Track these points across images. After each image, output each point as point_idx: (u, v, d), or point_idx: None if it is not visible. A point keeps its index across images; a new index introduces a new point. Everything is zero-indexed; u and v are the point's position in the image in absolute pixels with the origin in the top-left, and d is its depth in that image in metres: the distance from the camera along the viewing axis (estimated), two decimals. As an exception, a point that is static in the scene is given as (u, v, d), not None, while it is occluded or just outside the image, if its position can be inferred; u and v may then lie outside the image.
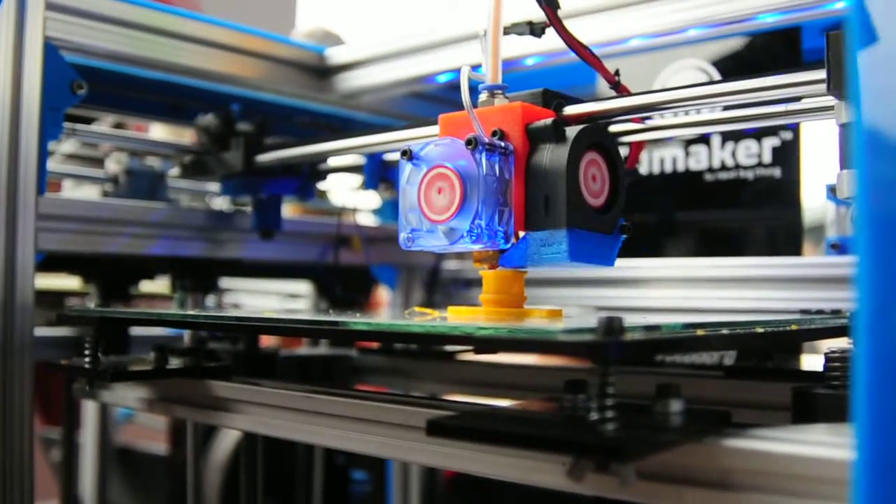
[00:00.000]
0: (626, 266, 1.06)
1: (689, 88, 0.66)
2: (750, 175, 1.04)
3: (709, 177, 1.07)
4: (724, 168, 1.06)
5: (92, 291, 1.17)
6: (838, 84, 0.58)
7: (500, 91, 0.66)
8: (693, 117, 0.73)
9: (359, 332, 0.62)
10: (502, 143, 0.63)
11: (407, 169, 0.65)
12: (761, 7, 0.87)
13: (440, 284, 1.24)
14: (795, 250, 1.01)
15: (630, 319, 0.48)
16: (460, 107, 0.65)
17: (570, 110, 0.67)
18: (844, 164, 0.59)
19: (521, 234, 0.64)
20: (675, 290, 1.04)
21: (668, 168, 1.10)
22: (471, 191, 0.62)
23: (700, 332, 0.54)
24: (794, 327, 0.65)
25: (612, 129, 0.71)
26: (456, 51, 1.05)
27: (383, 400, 0.65)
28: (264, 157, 1.00)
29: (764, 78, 0.63)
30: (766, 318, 0.91)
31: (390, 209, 1.31)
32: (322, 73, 1.16)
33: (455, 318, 0.69)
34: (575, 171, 0.62)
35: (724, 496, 0.47)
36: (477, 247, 0.63)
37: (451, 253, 0.67)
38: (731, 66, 1.07)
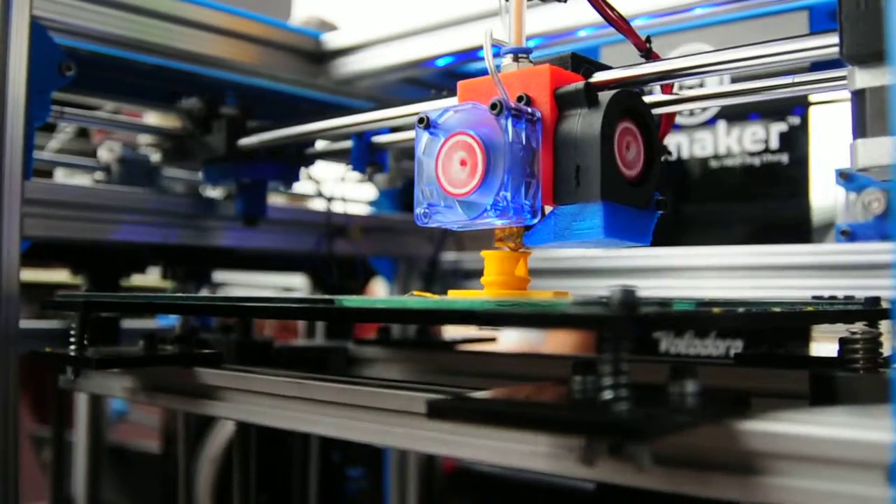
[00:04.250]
0: (631, 255, 0.98)
1: (716, 53, 0.58)
2: (757, 161, 0.97)
3: (714, 163, 1.00)
4: (729, 154, 0.99)
5: (81, 283, 1.08)
6: (851, 48, 0.51)
7: (524, 55, 0.58)
8: (717, 88, 0.65)
9: (353, 311, 0.54)
10: (529, 109, 0.54)
11: (424, 138, 0.57)
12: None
13: (439, 275, 1.15)
14: (804, 237, 0.94)
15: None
16: None
17: (600, 76, 0.59)
18: (859, 132, 0.52)
19: (549, 208, 0.56)
20: (681, 279, 0.97)
21: (674, 155, 1.02)
22: (495, 160, 0.53)
23: (716, 310, 0.47)
24: (809, 309, 0.59)
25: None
26: (455, 34, 0.97)
27: (379, 385, 0.57)
28: (247, 140, 0.91)
29: (787, 42, 0.55)
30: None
31: (386, 199, 1.23)
32: (318, 58, 1.08)
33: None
34: (609, 138, 0.53)
35: (748, 480, 0.42)
36: (501, 222, 0.55)
37: (468, 230, 0.59)
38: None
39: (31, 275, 1.24)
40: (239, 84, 1.03)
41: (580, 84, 0.54)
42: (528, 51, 0.58)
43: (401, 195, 1.22)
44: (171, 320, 1.12)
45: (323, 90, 1.11)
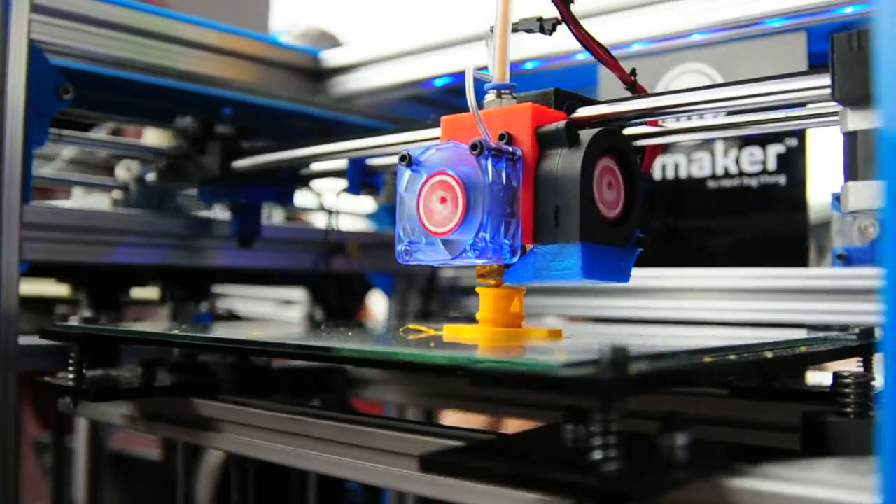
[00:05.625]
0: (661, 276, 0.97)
1: (705, 91, 0.58)
2: (754, 182, 0.96)
3: (712, 184, 0.99)
4: (727, 175, 0.98)
5: (82, 298, 1.08)
6: (843, 90, 0.50)
7: (507, 91, 0.58)
8: (705, 122, 0.64)
9: (347, 359, 0.54)
10: (510, 148, 0.54)
11: (406, 175, 0.57)
12: (769, 12, 0.80)
13: (437, 292, 1.15)
14: (800, 261, 0.93)
15: (633, 342, 0.40)
16: (459, 110, 0.57)
17: (583, 112, 0.58)
18: (850, 174, 0.52)
19: (529, 247, 0.55)
20: (677, 300, 0.96)
21: (671, 175, 1.02)
22: (475, 200, 0.53)
23: (708, 358, 0.47)
24: (803, 349, 0.58)
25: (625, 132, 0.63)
26: (454, 54, 0.97)
27: (374, 425, 0.57)
28: (242, 162, 0.91)
29: (778, 81, 0.55)
30: (771, 331, 0.84)
31: (385, 214, 1.23)
32: (316, 75, 1.08)
33: (451, 337, 0.61)
34: (589, 178, 0.53)
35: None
36: (481, 262, 0.55)
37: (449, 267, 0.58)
38: (734, 70, 0.98)
39: (32, 288, 1.25)
40: (236, 101, 1.03)
41: (561, 124, 0.54)
42: (511, 87, 0.58)
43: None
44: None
45: (321, 107, 1.11)
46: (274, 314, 1.47)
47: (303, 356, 0.53)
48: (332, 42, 1.68)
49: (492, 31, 0.58)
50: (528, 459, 0.43)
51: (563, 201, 0.53)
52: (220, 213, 1.08)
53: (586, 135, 0.54)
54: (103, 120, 1.09)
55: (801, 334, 0.76)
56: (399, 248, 0.57)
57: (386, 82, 1.02)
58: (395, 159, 0.81)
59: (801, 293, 0.88)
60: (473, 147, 0.52)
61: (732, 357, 0.48)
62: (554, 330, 0.58)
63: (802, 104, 0.57)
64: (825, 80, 0.51)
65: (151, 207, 1.12)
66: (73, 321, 1.14)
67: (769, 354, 0.52)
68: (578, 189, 0.52)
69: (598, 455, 0.40)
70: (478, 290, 0.60)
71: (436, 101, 1.16)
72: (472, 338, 0.59)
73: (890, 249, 0.34)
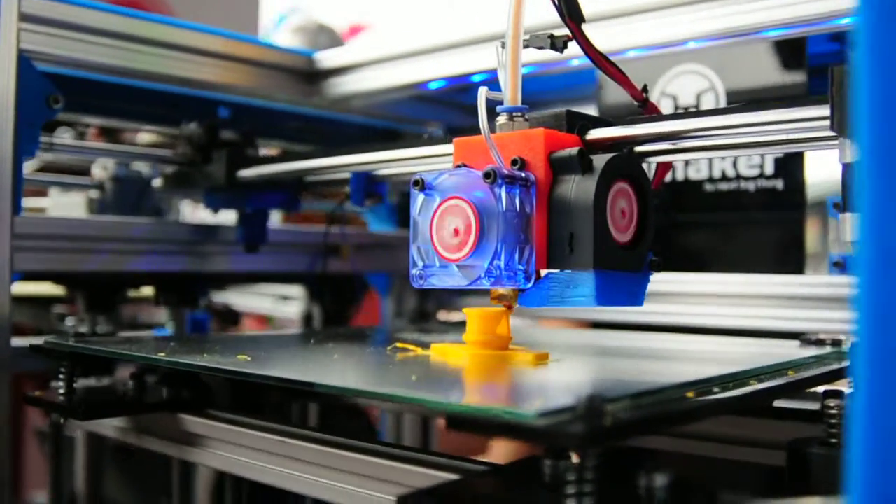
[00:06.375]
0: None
1: (716, 116, 0.57)
2: (752, 186, 0.96)
3: (709, 187, 0.99)
4: (724, 178, 0.98)
5: (78, 298, 1.07)
6: (842, 122, 0.51)
7: (520, 114, 0.57)
8: (707, 142, 0.64)
9: (329, 395, 0.54)
10: (523, 174, 0.54)
11: (419, 199, 0.56)
12: (767, 22, 0.79)
13: (433, 291, 1.15)
14: (798, 266, 0.93)
15: (620, 368, 0.39)
16: (460, 108, 0.56)
17: (595, 134, 0.58)
18: (849, 205, 0.52)
19: (543, 272, 0.55)
20: (672, 305, 0.96)
21: (667, 177, 1.01)
22: (489, 227, 0.53)
23: (690, 394, 0.47)
24: (790, 373, 0.58)
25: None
26: (450, 57, 0.96)
27: (361, 450, 0.57)
28: (247, 172, 0.90)
29: (784, 110, 0.55)
30: (765, 341, 0.85)
31: (383, 213, 1.22)
32: (311, 77, 1.06)
33: (437, 358, 0.61)
34: (602, 206, 0.53)
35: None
36: (496, 287, 0.55)
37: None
38: (731, 72, 0.98)
39: (29, 287, 1.23)
40: (232, 103, 1.02)
41: (574, 150, 0.53)
42: (523, 109, 0.57)
43: (396, 211, 1.21)
44: (166, 332, 1.12)
45: (318, 107, 1.10)
46: (272, 310, 1.46)
47: (285, 390, 0.52)
48: (330, 35, 1.66)
49: (503, 47, 0.58)
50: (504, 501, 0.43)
51: (576, 228, 0.53)
52: (209, 216, 1.07)
53: (600, 160, 0.54)
54: (95, 123, 1.07)
55: (792, 348, 0.76)
56: (413, 271, 0.57)
57: (381, 84, 1.01)
58: (398, 169, 0.82)
59: (798, 300, 0.88)
60: (487, 175, 0.52)
61: (716, 390, 0.48)
62: (540, 354, 0.58)
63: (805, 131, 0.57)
64: (826, 110, 0.51)
65: (128, 206, 1.10)
66: (70, 322, 1.13)
67: (754, 383, 0.51)
68: (592, 216, 0.52)
69: (571, 490, 0.39)
70: (464, 310, 0.60)
71: (436, 99, 1.14)
72: (458, 361, 0.59)
73: (863, 289, 0.33)
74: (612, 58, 0.61)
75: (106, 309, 1.06)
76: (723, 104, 0.97)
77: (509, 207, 0.53)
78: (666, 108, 1.01)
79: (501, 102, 0.57)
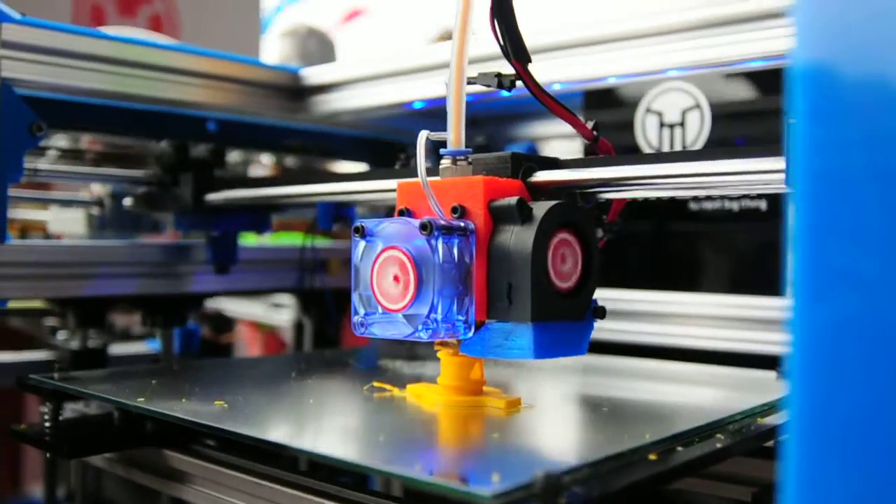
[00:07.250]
0: (611, 299, 0.96)
1: (666, 165, 0.56)
2: (735, 206, 0.94)
3: (693, 206, 0.97)
4: (709, 197, 0.96)
5: (68, 314, 1.08)
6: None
7: (463, 158, 0.56)
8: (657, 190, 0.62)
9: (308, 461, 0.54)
10: (461, 224, 0.53)
11: (360, 246, 0.56)
12: (748, 54, 0.76)
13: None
14: (780, 288, 0.91)
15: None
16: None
17: (540, 177, 0.57)
18: None
19: (485, 320, 0.55)
20: (653, 324, 0.95)
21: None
22: (426, 279, 0.52)
23: (653, 456, 0.46)
24: (760, 420, 0.58)
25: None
26: (434, 77, 0.95)
27: (343, 499, 0.57)
28: (214, 197, 0.90)
29: (739, 161, 0.53)
30: (742, 366, 0.83)
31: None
32: (298, 93, 1.06)
33: (413, 401, 0.61)
34: (542, 256, 0.52)
35: None
36: (433, 339, 0.54)
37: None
38: (717, 89, 0.96)
39: (18, 301, 1.25)
40: (219, 120, 1.02)
41: (513, 200, 0.53)
42: (466, 153, 0.56)
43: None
44: (157, 345, 1.13)
45: (306, 122, 1.09)
46: (264, 316, 1.47)
47: (260, 449, 0.53)
48: (320, 39, 1.65)
49: (447, 86, 0.57)
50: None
51: (515, 279, 0.52)
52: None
53: (540, 209, 0.53)
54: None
55: (770, 380, 0.75)
56: (355, 319, 0.56)
57: (366, 103, 1.00)
58: (366, 196, 0.81)
59: (779, 323, 0.86)
60: (423, 227, 0.51)
61: (680, 450, 0.47)
62: (512, 401, 0.58)
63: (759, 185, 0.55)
64: (781, 163, 0.50)
65: (127, 223, 1.11)
66: (61, 335, 1.15)
67: (721, 437, 0.51)
68: (530, 268, 0.51)
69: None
70: (439, 354, 0.60)
71: (423, 112, 1.13)
72: (430, 407, 0.59)
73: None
74: (590, 85, 0.60)
75: (96, 324, 1.07)
76: (708, 122, 0.96)
77: (446, 259, 0.52)
78: (651, 125, 1.00)
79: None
